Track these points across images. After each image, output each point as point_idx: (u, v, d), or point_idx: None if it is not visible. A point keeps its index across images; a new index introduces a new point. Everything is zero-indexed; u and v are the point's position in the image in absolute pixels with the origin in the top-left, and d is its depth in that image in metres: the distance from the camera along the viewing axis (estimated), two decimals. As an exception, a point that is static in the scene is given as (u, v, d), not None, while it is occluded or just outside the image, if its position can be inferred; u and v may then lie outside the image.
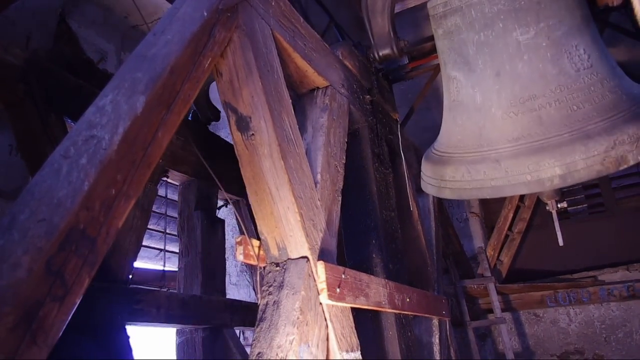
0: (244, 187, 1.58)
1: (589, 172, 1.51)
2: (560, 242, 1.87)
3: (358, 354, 1.56)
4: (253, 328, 1.48)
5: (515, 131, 1.70)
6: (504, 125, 1.74)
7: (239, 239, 1.50)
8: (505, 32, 1.80)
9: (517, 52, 1.78)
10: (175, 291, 2.95)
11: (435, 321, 2.83)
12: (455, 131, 1.94)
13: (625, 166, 1.57)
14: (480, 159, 1.72)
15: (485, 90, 1.83)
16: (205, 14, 1.40)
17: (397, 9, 2.96)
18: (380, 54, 2.73)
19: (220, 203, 3.40)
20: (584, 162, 1.51)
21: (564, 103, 1.69)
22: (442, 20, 1.99)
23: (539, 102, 1.70)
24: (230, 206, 3.65)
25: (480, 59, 1.85)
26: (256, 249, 1.52)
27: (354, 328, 1.60)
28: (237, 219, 4.48)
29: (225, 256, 3.13)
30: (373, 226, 2.26)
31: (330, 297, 1.46)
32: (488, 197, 1.80)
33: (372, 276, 1.81)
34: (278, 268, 1.49)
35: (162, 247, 4.10)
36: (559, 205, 1.87)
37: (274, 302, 1.41)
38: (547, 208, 1.89)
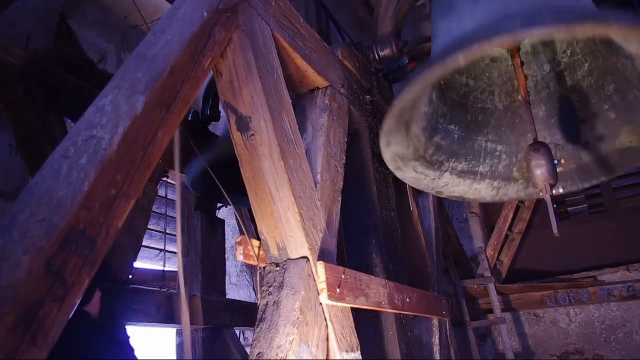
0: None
1: (557, 27, 1.28)
2: (555, 230, 1.71)
3: (358, 354, 1.56)
4: (253, 328, 1.48)
5: (485, 35, 1.58)
6: (473, 34, 1.62)
7: (239, 239, 1.50)
8: None
9: None
10: (175, 291, 2.95)
11: (435, 321, 2.83)
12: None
13: (609, 36, 1.30)
14: (438, 64, 1.45)
15: (461, 17, 1.77)
16: (205, 14, 1.40)
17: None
18: (380, 54, 2.73)
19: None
20: (553, 19, 1.29)
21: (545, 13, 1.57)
22: None
23: (517, 10, 1.60)
24: (230, 206, 3.65)
25: None
26: (256, 249, 1.52)
27: (354, 328, 1.60)
28: (237, 219, 4.48)
29: (225, 256, 3.14)
30: (373, 226, 2.25)
31: (330, 297, 1.46)
32: (440, 75, 1.60)
33: (372, 276, 1.81)
34: (278, 268, 1.49)
35: (162, 247, 4.10)
36: (553, 191, 1.72)
37: (274, 302, 1.41)
38: (540, 194, 1.70)
